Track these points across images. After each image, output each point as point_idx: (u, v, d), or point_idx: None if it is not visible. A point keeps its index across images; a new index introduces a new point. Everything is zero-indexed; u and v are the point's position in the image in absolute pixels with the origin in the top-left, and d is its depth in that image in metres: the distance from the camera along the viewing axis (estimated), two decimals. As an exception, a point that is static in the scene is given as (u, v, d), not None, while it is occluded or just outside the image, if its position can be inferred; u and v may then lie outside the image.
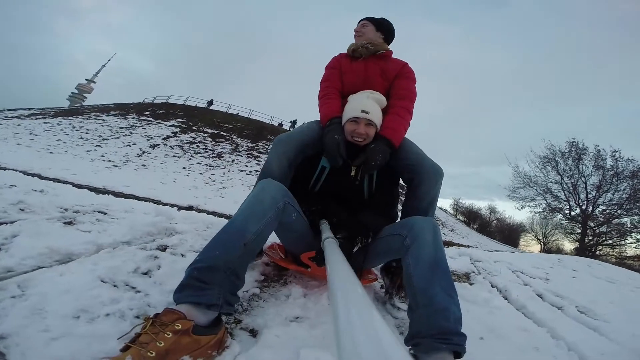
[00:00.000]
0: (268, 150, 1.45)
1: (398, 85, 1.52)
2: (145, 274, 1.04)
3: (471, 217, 35.66)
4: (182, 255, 1.26)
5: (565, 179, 19.91)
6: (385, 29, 1.69)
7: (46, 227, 1.11)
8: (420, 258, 0.90)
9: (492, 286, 1.89)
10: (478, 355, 0.95)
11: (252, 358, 0.79)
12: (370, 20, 1.67)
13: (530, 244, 32.79)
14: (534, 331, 1.33)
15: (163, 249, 1.27)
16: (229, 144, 14.63)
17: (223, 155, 13.08)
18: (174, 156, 11.63)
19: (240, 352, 0.80)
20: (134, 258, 1.08)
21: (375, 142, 1.27)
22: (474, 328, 1.18)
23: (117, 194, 6.08)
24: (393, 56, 1.62)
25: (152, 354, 0.60)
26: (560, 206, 20.79)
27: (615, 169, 17.61)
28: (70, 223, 1.27)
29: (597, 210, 19.23)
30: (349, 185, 1.29)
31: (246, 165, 12.62)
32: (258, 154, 14.23)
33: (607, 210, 18.79)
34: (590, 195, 19.24)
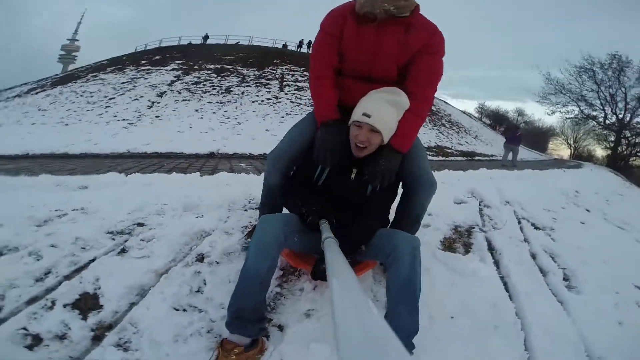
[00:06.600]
0: (288, 131, 1.40)
1: (420, 64, 1.25)
2: (198, 291, 1.35)
3: (497, 120, 33.29)
4: (217, 263, 1.52)
5: (602, 88, 18.38)
6: None
7: (111, 264, 1.39)
8: (397, 277, 1.07)
9: (488, 249, 1.94)
10: (442, 335, 1.23)
11: (281, 354, 1.14)
12: None
13: (560, 148, 31.81)
14: (502, 308, 1.43)
15: (200, 259, 1.53)
16: (235, 76, 14.05)
17: (231, 89, 12.77)
18: (183, 100, 11.53)
19: (274, 349, 1.15)
20: (184, 279, 1.39)
21: (382, 154, 1.20)
22: (450, 305, 1.38)
23: (142, 155, 6.54)
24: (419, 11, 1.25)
25: None
26: (595, 114, 19.70)
27: (662, 83, 15.47)
28: (123, 250, 1.51)
29: (634, 121, 18.23)
30: (350, 184, 1.28)
31: (257, 95, 12.37)
32: (267, 81, 13.73)
33: (646, 121, 17.28)
34: (629, 105, 17.94)
